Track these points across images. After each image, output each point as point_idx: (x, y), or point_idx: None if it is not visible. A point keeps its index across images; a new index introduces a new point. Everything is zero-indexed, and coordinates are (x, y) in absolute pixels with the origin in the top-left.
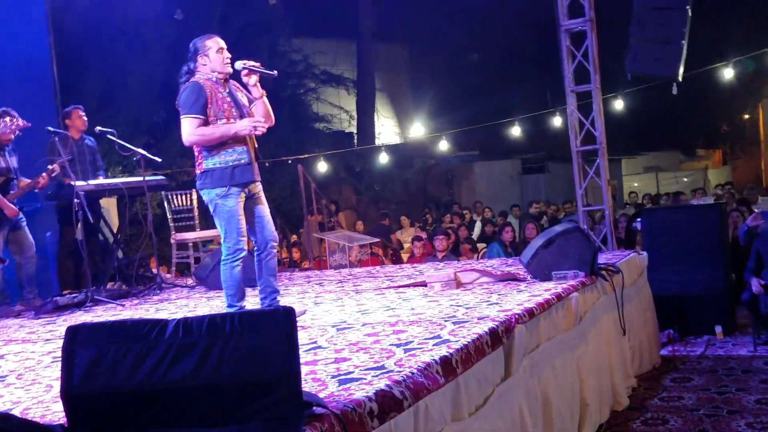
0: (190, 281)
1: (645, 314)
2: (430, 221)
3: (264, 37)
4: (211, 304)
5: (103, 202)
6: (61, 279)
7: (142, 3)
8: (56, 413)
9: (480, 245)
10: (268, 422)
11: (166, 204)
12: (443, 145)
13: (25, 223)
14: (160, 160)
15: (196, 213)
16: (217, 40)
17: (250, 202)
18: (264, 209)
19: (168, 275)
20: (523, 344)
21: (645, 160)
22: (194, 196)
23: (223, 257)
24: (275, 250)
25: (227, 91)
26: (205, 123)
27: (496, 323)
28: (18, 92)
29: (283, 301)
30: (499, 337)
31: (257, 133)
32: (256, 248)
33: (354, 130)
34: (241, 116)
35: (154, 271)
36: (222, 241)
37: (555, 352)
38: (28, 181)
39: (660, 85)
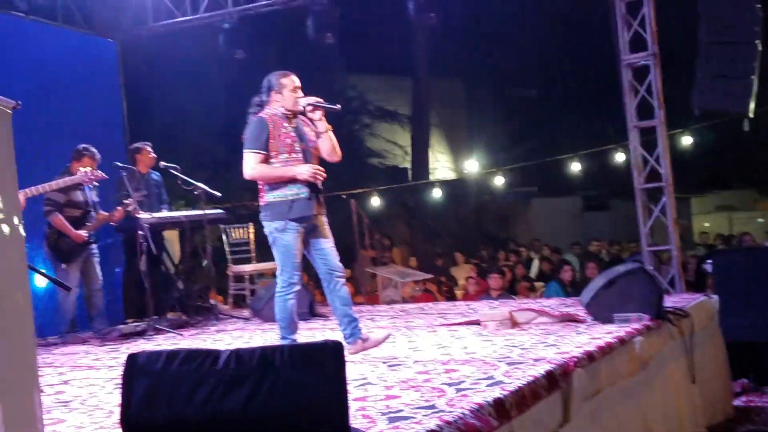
0: (245, 313)
1: (716, 361)
2: (486, 258)
3: (320, 74)
4: (265, 336)
5: (166, 234)
6: (125, 308)
7: (205, 43)
8: None
9: (538, 284)
10: None
11: (224, 237)
12: (499, 181)
13: (96, 258)
14: (219, 194)
15: (252, 246)
16: (292, 78)
17: (312, 234)
18: (326, 241)
19: (225, 306)
20: (583, 389)
21: (717, 199)
22: (251, 230)
23: (277, 289)
24: (343, 280)
25: (293, 126)
26: (267, 158)
27: (554, 366)
28: (89, 127)
29: (366, 328)
30: (556, 380)
31: (316, 180)
32: (323, 281)
33: (408, 165)
34: (305, 151)
35: (212, 302)
36: (278, 273)
37: (618, 398)
38: (106, 214)
39: (731, 120)
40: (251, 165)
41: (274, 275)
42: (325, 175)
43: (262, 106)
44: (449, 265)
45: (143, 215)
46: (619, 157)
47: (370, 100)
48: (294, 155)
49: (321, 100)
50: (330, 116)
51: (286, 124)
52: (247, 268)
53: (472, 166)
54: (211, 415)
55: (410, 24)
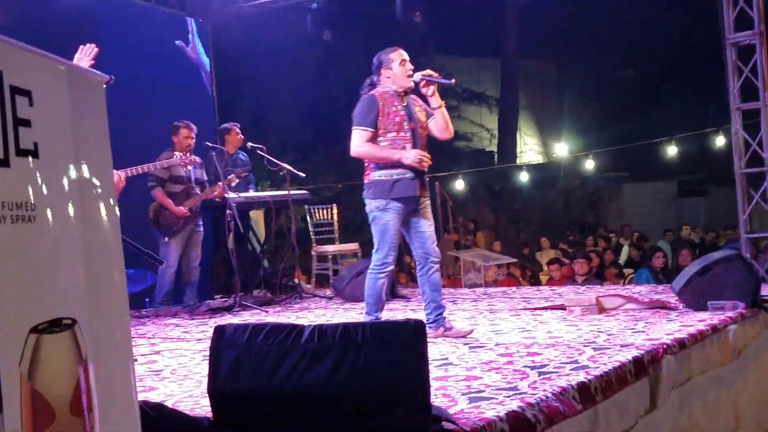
0: (328, 292)
1: None
2: (573, 244)
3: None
4: (347, 315)
5: (252, 213)
6: (213, 284)
7: (292, 25)
8: (204, 407)
9: (627, 271)
10: None
11: (308, 217)
12: (589, 165)
13: (200, 236)
14: (304, 175)
15: (336, 227)
16: (400, 52)
17: (413, 216)
18: (426, 224)
19: (308, 285)
20: (672, 376)
21: None
22: (335, 211)
23: (370, 266)
24: (437, 266)
25: (404, 104)
26: (375, 135)
27: (642, 352)
28: (181, 108)
29: (451, 319)
30: (644, 366)
31: (422, 167)
32: (417, 263)
33: (495, 148)
34: (414, 131)
35: (296, 281)
36: (374, 251)
37: (708, 387)
38: (208, 190)
39: None
40: (357, 142)
41: (356, 255)
42: (431, 162)
43: (373, 85)
44: (535, 250)
45: (231, 194)
46: (719, 141)
47: (458, 81)
48: (402, 134)
49: (434, 74)
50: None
51: (396, 103)
52: (330, 248)
53: (562, 149)
54: (293, 387)
55: (501, 3)
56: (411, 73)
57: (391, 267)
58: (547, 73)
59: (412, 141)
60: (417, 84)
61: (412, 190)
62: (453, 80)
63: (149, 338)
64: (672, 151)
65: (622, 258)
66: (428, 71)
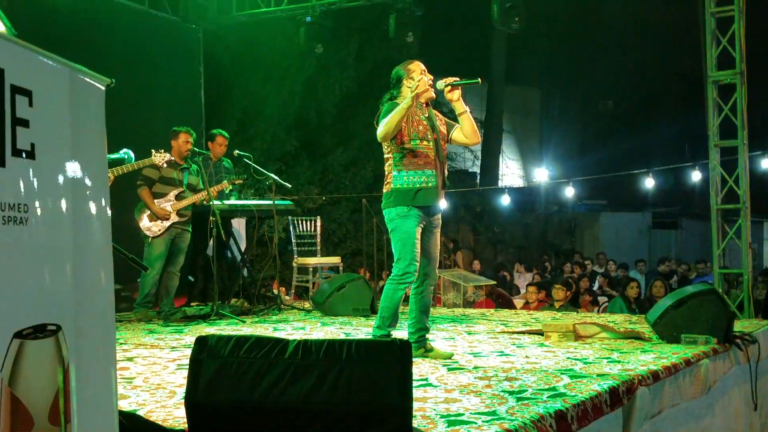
0: (307, 304)
1: None
2: (549, 269)
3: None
4: (325, 329)
5: (234, 222)
6: (190, 290)
7: (285, 37)
8: (177, 419)
9: (601, 299)
10: None
11: (291, 228)
12: (569, 192)
13: (185, 242)
14: (290, 186)
15: (318, 239)
16: (418, 63)
17: (426, 232)
18: (435, 246)
19: (287, 297)
20: (645, 408)
21: None
22: (318, 223)
23: (391, 276)
24: (432, 288)
25: (426, 115)
26: (397, 136)
27: (618, 382)
28: (170, 111)
29: (431, 339)
30: (619, 397)
31: (426, 87)
32: (414, 281)
33: (477, 170)
34: (436, 141)
35: (275, 292)
36: (395, 262)
37: (679, 420)
38: (197, 195)
39: None
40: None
41: (337, 269)
42: (431, 81)
43: (393, 99)
44: (511, 272)
45: (215, 201)
46: (695, 176)
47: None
48: (426, 143)
49: (457, 79)
50: None
51: (419, 112)
52: (312, 260)
53: (542, 174)
54: (274, 402)
55: (491, 29)
56: (432, 83)
57: (413, 277)
58: (530, 99)
59: (435, 150)
60: (439, 93)
61: (434, 200)
62: (479, 79)
63: (122, 344)
64: (649, 183)
65: (596, 286)
66: (450, 78)
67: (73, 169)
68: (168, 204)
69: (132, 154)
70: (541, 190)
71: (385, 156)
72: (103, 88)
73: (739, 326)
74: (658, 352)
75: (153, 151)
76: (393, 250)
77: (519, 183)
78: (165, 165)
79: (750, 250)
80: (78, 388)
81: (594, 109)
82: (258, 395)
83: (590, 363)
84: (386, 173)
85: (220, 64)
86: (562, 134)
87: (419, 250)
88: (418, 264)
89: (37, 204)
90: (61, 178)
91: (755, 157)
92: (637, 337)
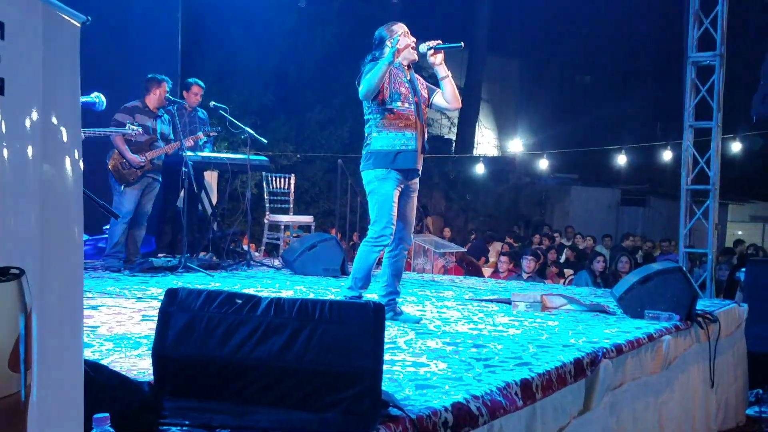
0: (277, 262)
1: (736, 369)
2: (518, 239)
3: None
4: (295, 287)
5: (206, 174)
6: (158, 241)
7: None
8: (142, 370)
9: (567, 271)
10: (344, 415)
11: (264, 185)
12: (542, 164)
13: (155, 192)
14: (266, 141)
15: (291, 197)
16: (401, 25)
17: (403, 197)
18: (412, 210)
19: (257, 253)
20: (607, 380)
21: (753, 209)
22: (292, 180)
23: (366, 238)
24: (405, 253)
25: (408, 78)
26: (378, 96)
27: (582, 353)
28: (146, 59)
29: (402, 306)
30: (583, 368)
31: (409, 44)
32: (389, 245)
33: (453, 137)
34: (417, 104)
35: (245, 247)
36: (371, 224)
37: (638, 393)
38: (172, 145)
39: None
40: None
41: (309, 228)
42: (415, 43)
43: (375, 60)
44: (484, 241)
45: (188, 153)
46: (666, 155)
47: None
48: (407, 105)
49: (440, 42)
50: None
51: (401, 75)
52: (284, 218)
53: (516, 145)
54: (243, 358)
55: None
56: (414, 45)
57: (389, 240)
58: (509, 70)
59: (416, 113)
60: (421, 56)
61: (413, 163)
62: (462, 43)
63: (85, 291)
64: (621, 160)
65: (563, 258)
66: (433, 41)
67: (45, 110)
68: (141, 154)
69: (103, 98)
70: (515, 160)
71: (366, 117)
72: (79, 25)
73: (701, 305)
74: (622, 326)
75: (128, 124)
76: (369, 212)
77: (494, 152)
78: (138, 114)
79: (715, 231)
80: (40, 335)
81: (571, 82)
82: (228, 351)
83: (556, 333)
84: (366, 134)
85: (200, 12)
86: (538, 106)
87: (396, 213)
88: (394, 227)
89: (4, 144)
90: (29, 118)
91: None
92: (602, 310)
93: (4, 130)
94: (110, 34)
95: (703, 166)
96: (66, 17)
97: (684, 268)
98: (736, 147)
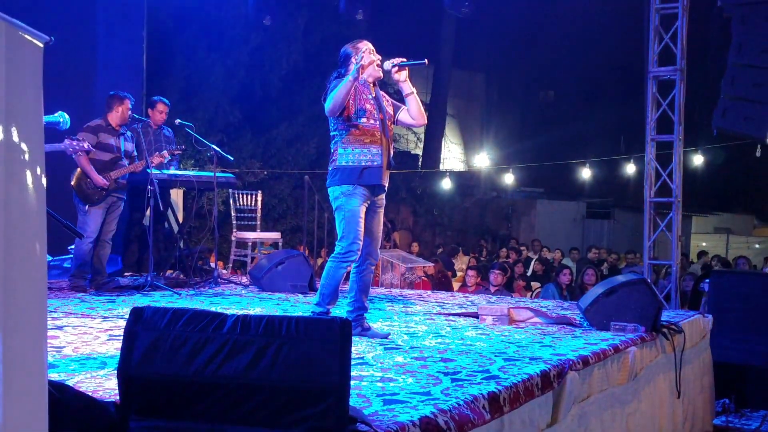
0: (244, 279)
1: (702, 379)
2: (485, 253)
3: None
4: (263, 304)
5: (172, 192)
6: (124, 260)
7: (233, 5)
8: (108, 390)
9: (534, 284)
10: (312, 431)
11: (231, 202)
12: (508, 178)
13: (119, 210)
14: (232, 159)
15: (258, 214)
16: (366, 42)
17: (369, 213)
18: (378, 225)
19: (224, 271)
20: (574, 392)
21: (717, 220)
22: (259, 197)
23: (333, 254)
24: (372, 268)
25: (373, 95)
26: (344, 112)
27: (549, 366)
28: (110, 76)
29: (370, 322)
30: (550, 380)
31: (371, 62)
32: (357, 260)
33: (420, 152)
34: (383, 121)
35: (212, 265)
36: (338, 240)
37: (605, 405)
38: (136, 164)
39: (743, 145)
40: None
41: (276, 245)
42: (379, 59)
43: (341, 77)
44: (449, 254)
45: (154, 171)
46: (629, 168)
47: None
48: (372, 121)
49: (404, 59)
50: None
51: (366, 92)
52: (251, 235)
53: (483, 160)
54: (210, 377)
55: (442, 12)
56: (379, 63)
57: (356, 256)
58: (475, 85)
59: (382, 129)
60: (386, 73)
61: (379, 179)
62: (425, 60)
63: (51, 311)
64: (585, 173)
65: (530, 271)
66: (397, 59)
67: (7, 130)
68: (105, 173)
69: (67, 117)
70: (482, 175)
71: (332, 133)
72: (41, 45)
73: (666, 316)
74: (588, 338)
75: (66, 138)
76: (336, 228)
77: (460, 167)
78: (100, 133)
79: (679, 243)
80: (4, 356)
81: (535, 98)
82: (194, 369)
83: (523, 346)
84: (332, 151)
85: (165, 30)
86: (503, 121)
87: (362, 229)
88: (361, 243)
89: None
90: None
91: (687, 153)
92: (568, 323)
93: None
94: (74, 52)
95: (666, 179)
96: (29, 37)
97: (648, 280)
98: (698, 160)
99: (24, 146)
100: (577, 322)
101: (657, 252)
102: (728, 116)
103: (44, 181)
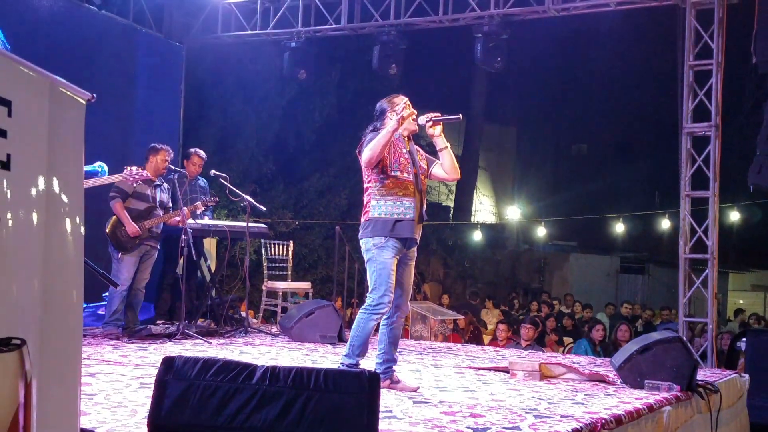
0: (274, 329)
1: None
2: (517, 307)
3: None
4: (292, 355)
5: (205, 241)
6: (157, 308)
7: (269, 60)
8: None
9: (566, 339)
10: None
11: (263, 251)
12: (540, 231)
13: (153, 258)
14: (265, 209)
15: (290, 264)
16: (402, 97)
17: (402, 265)
18: (409, 278)
19: (254, 320)
20: None
21: (754, 278)
22: (290, 247)
23: (364, 306)
24: (402, 320)
25: (408, 149)
26: (379, 164)
27: (581, 425)
28: (148, 128)
29: (399, 374)
30: None
31: (408, 116)
32: (387, 313)
33: (451, 204)
34: (416, 175)
35: (243, 314)
36: (369, 291)
37: None
38: (170, 214)
39: None
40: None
41: (307, 295)
42: (415, 112)
43: (377, 130)
44: (480, 308)
45: (188, 220)
46: (664, 223)
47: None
48: (406, 175)
49: (439, 114)
50: None
51: (401, 146)
52: (282, 285)
53: (514, 213)
54: (239, 428)
55: (473, 66)
56: (416, 117)
57: (387, 308)
58: (507, 138)
59: (415, 183)
60: (420, 128)
61: (411, 232)
62: (460, 115)
63: (84, 359)
64: (619, 227)
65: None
66: (431, 113)
67: (49, 183)
68: (140, 222)
69: (106, 168)
70: (513, 227)
71: (365, 185)
72: (84, 102)
73: (701, 375)
74: (622, 396)
75: (126, 167)
76: (368, 280)
77: (492, 219)
78: (139, 181)
79: (715, 300)
80: (40, 403)
81: (567, 151)
82: (223, 420)
83: (554, 403)
84: (365, 202)
85: (201, 83)
86: (536, 174)
87: (394, 282)
88: (392, 295)
89: (9, 216)
90: (35, 192)
91: (723, 209)
92: (601, 380)
93: (10, 203)
94: (115, 105)
95: (701, 235)
96: (72, 94)
97: (684, 338)
98: (734, 216)
99: (64, 197)
100: (611, 379)
101: (693, 309)
102: (764, 172)
103: (83, 230)
